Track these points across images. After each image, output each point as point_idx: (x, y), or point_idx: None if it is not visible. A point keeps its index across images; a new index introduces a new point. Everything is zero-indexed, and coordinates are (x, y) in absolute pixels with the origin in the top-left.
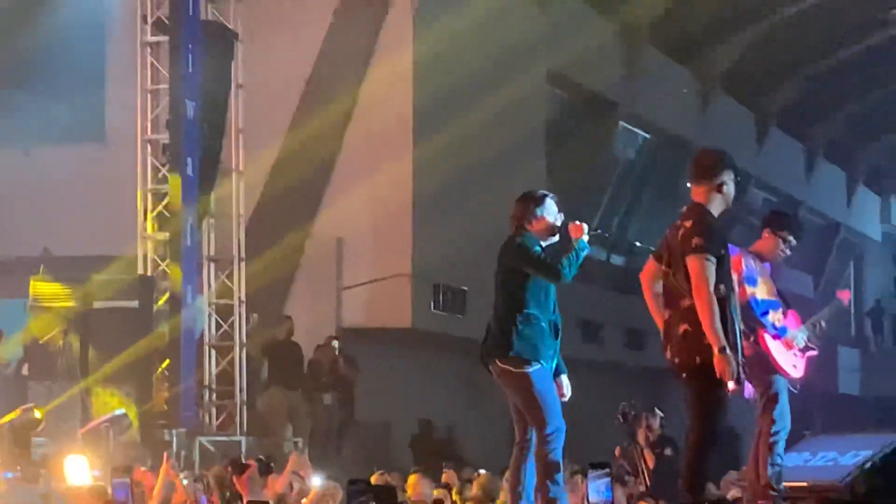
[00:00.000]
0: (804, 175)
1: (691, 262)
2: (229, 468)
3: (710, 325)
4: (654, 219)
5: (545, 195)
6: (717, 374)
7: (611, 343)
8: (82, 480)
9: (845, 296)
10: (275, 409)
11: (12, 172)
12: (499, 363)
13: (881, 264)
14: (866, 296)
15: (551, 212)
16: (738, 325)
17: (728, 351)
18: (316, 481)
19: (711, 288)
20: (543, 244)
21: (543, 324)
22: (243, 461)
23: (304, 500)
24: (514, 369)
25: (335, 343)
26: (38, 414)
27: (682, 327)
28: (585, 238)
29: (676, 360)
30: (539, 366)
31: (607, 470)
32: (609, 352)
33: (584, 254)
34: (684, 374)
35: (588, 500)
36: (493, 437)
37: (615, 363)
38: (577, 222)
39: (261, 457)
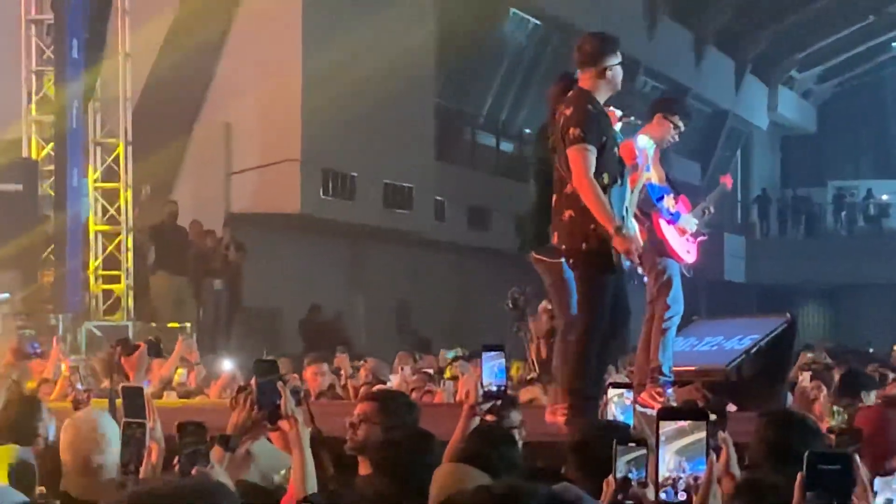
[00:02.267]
0: (693, 63)
1: (570, 153)
2: (118, 348)
3: (600, 211)
4: (543, 106)
5: None
6: (621, 252)
7: (499, 230)
8: None
9: (728, 181)
10: (161, 295)
11: None
12: None
13: (767, 153)
14: (753, 184)
15: None
16: (623, 214)
17: (624, 230)
18: (226, 366)
19: (591, 176)
20: None
21: None
22: (131, 342)
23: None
24: None
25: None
26: None
27: (567, 213)
28: (618, 127)
29: (563, 246)
30: None
31: (501, 352)
32: (498, 239)
33: None
34: (571, 260)
35: (482, 382)
36: (381, 321)
37: (504, 250)
38: (612, 108)
39: (150, 338)
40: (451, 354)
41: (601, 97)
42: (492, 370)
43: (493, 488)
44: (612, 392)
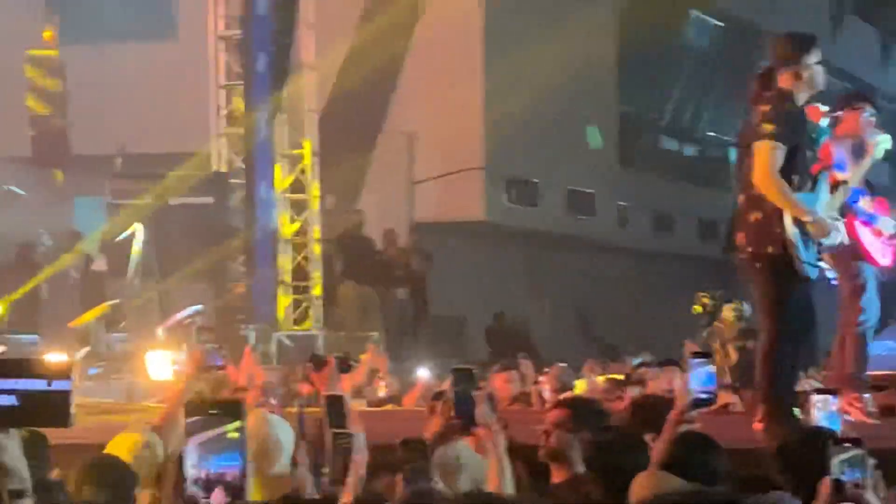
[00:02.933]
0: (879, 61)
1: (758, 147)
2: (308, 363)
3: (788, 203)
4: (726, 109)
5: None
6: (817, 238)
7: (683, 234)
8: (163, 375)
9: None
10: (348, 304)
11: (85, 70)
12: None
13: None
14: None
15: None
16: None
17: (818, 217)
18: (423, 374)
19: (776, 173)
20: None
21: None
22: (322, 357)
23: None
24: None
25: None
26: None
27: (754, 215)
28: (824, 122)
29: (749, 249)
30: None
31: (709, 358)
32: (681, 243)
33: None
34: (757, 264)
35: (691, 389)
36: (566, 328)
37: (688, 255)
38: (816, 104)
39: (339, 354)
40: (636, 361)
41: (800, 98)
42: (700, 377)
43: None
44: (816, 398)
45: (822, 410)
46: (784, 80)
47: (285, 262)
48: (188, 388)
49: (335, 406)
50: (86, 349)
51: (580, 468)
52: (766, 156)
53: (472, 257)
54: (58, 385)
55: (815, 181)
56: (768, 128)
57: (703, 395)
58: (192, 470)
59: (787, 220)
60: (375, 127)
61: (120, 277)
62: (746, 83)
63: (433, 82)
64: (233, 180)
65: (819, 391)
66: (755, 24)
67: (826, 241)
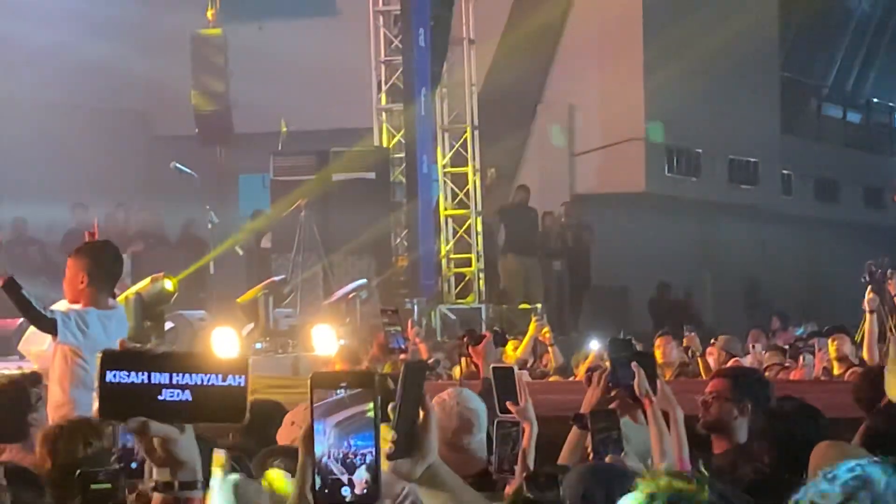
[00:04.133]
0: None
1: None
2: (464, 338)
3: None
4: (891, 74)
5: None
6: None
7: (848, 202)
8: (329, 349)
9: None
10: (511, 276)
11: (246, 47)
12: None
13: None
14: None
15: None
16: None
17: None
18: (593, 345)
19: None
20: None
21: None
22: (479, 332)
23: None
24: None
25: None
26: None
27: None
28: None
29: None
30: None
31: None
32: (847, 211)
33: None
34: None
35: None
36: (729, 298)
37: (853, 222)
38: None
39: (496, 328)
40: (800, 331)
41: None
42: None
43: None
44: None
45: None
46: None
47: (447, 236)
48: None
49: (503, 378)
50: (251, 325)
51: (742, 438)
52: None
53: (633, 228)
54: (233, 380)
55: None
56: None
57: None
58: (332, 449)
59: None
60: (535, 99)
61: (285, 253)
62: None
63: (592, 53)
64: (394, 155)
65: None
66: None
67: None
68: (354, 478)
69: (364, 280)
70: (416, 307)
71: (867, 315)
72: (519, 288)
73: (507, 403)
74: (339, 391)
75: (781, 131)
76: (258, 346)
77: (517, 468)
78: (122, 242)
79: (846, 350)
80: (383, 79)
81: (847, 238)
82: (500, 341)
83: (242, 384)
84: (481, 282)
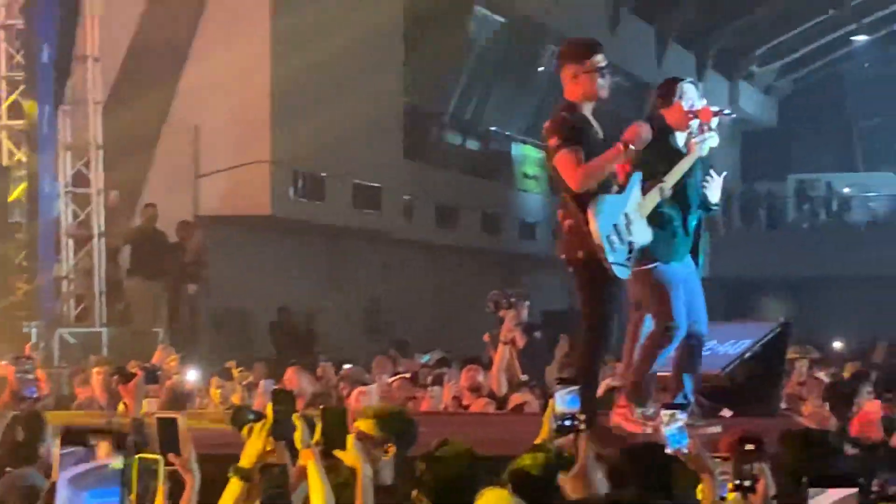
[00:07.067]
0: (655, 59)
1: (557, 161)
2: (114, 377)
3: (601, 162)
4: (509, 103)
5: None
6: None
7: (467, 228)
8: None
9: None
10: (137, 299)
11: None
12: None
13: (729, 147)
14: None
15: None
16: (622, 222)
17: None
18: (191, 377)
19: (581, 165)
20: None
21: None
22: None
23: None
24: None
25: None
26: None
27: (567, 222)
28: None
29: (563, 256)
30: None
31: (574, 388)
32: (466, 237)
33: None
34: (570, 268)
35: (555, 411)
36: (353, 322)
37: (472, 248)
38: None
39: (147, 365)
40: (426, 358)
41: (580, 101)
42: (563, 399)
43: None
44: (664, 412)
45: (671, 425)
46: (564, 84)
47: (68, 257)
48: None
49: (166, 428)
50: None
51: (388, 480)
52: (567, 161)
53: (259, 251)
54: None
55: (625, 182)
56: (555, 141)
57: (568, 422)
58: None
59: (594, 225)
60: (160, 119)
61: None
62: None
63: (219, 74)
64: (17, 174)
65: (667, 405)
66: (537, 21)
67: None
68: None
69: None
70: (34, 331)
71: (500, 345)
72: (146, 311)
73: (170, 456)
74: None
75: (404, 157)
76: None
77: None
78: None
79: (479, 379)
80: (4, 95)
81: (467, 263)
82: (152, 378)
83: None
84: (103, 305)
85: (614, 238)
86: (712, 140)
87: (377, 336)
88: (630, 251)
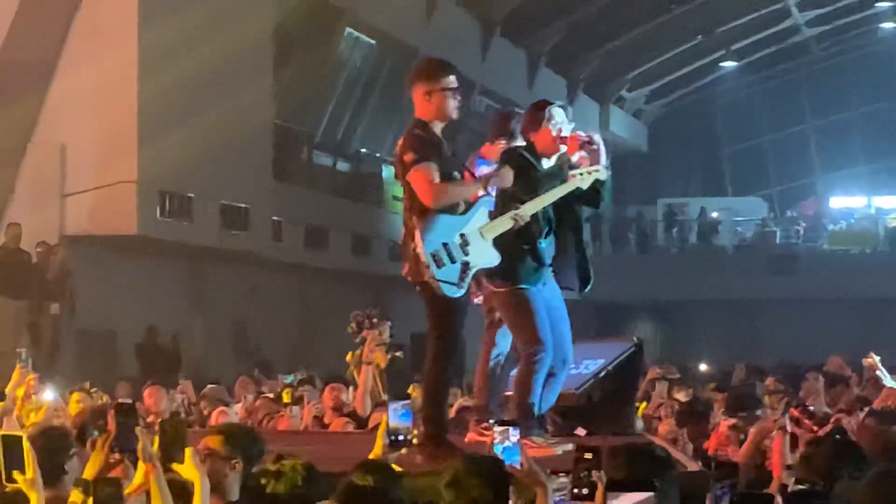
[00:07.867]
0: (526, 82)
1: (412, 176)
2: None
3: (458, 189)
4: (379, 125)
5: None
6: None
7: (336, 249)
8: None
9: None
10: (1, 320)
11: None
12: None
13: None
14: None
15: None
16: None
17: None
18: (48, 395)
19: (438, 180)
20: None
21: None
22: None
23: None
24: None
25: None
26: None
27: (411, 245)
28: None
29: (409, 278)
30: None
31: (406, 402)
32: (336, 258)
33: None
34: (417, 289)
35: (388, 426)
36: (219, 343)
37: (341, 269)
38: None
39: None
40: (289, 379)
41: (432, 120)
42: (396, 413)
43: None
44: (497, 429)
45: (502, 442)
46: (415, 104)
47: None
48: None
49: (12, 447)
50: None
51: (234, 496)
52: (423, 176)
53: (125, 271)
54: None
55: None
56: (410, 157)
57: (401, 437)
58: None
59: (418, 239)
60: (25, 138)
61: None
62: (399, 101)
63: (86, 93)
64: None
65: (501, 422)
66: (408, 43)
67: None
68: None
69: None
70: None
71: (363, 366)
72: (7, 331)
73: (14, 473)
74: None
75: (273, 178)
76: None
77: None
78: None
79: (343, 399)
80: None
81: (336, 285)
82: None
83: None
84: None
85: (442, 256)
86: (600, 174)
87: (244, 357)
88: (464, 271)
